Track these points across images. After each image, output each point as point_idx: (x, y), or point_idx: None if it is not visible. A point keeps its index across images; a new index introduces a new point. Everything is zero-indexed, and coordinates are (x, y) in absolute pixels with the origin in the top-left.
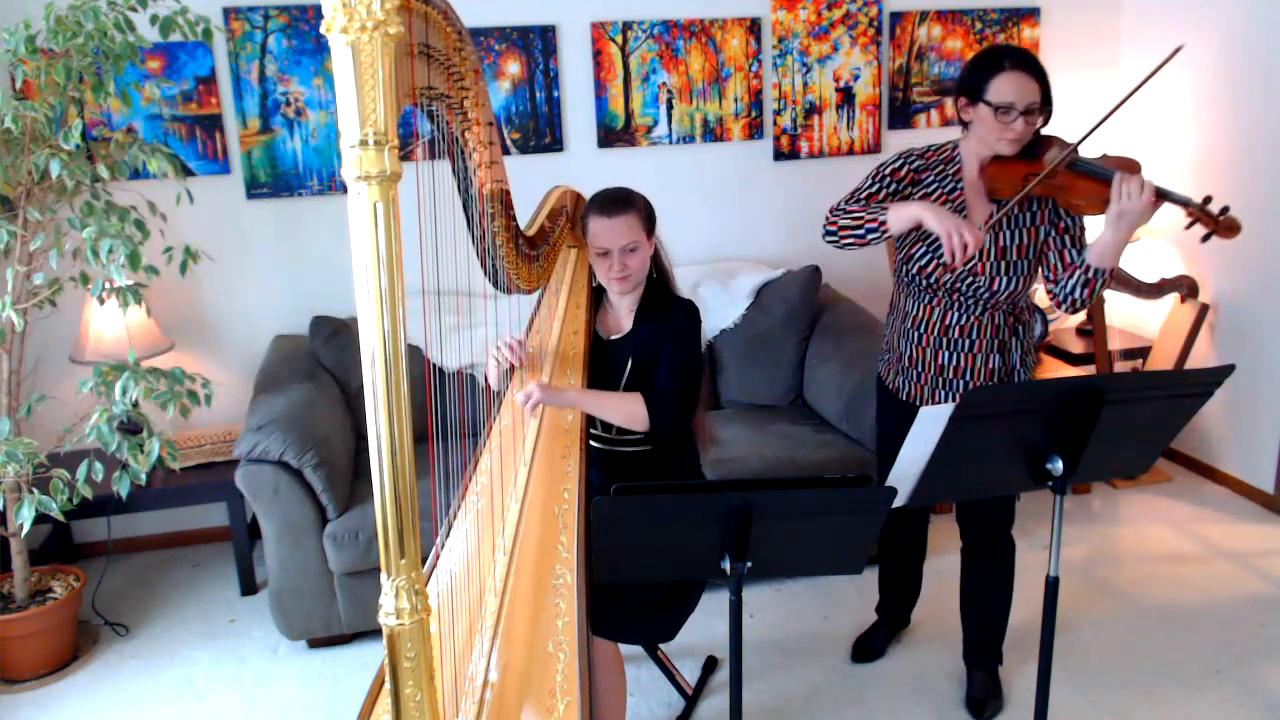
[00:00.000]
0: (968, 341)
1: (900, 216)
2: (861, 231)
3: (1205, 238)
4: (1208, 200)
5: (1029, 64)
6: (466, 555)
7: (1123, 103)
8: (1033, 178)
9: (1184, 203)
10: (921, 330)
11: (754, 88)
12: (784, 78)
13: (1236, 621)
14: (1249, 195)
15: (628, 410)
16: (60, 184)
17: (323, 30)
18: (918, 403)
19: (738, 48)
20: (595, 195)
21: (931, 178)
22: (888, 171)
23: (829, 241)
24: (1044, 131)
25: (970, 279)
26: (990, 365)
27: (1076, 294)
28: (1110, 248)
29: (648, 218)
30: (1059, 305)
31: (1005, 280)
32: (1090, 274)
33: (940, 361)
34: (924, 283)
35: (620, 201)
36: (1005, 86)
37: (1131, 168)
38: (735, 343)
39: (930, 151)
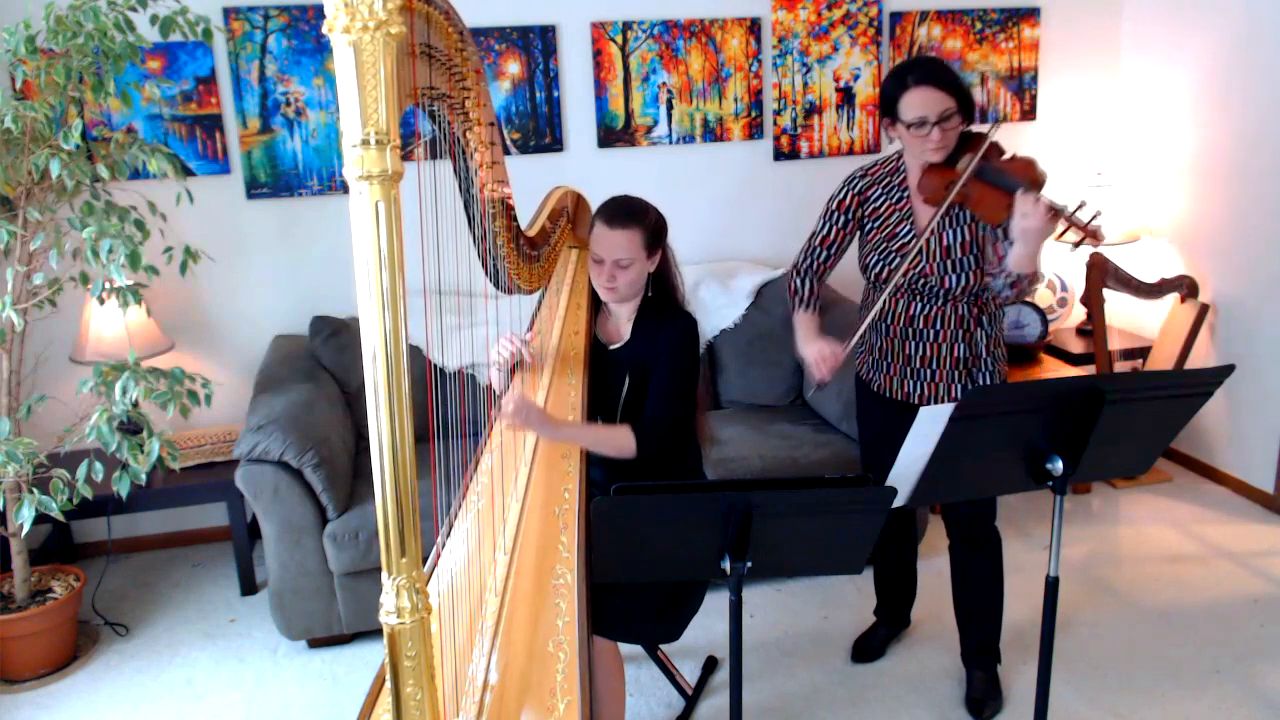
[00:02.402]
0: (932, 332)
1: (797, 334)
2: (792, 304)
3: (1076, 244)
4: (1080, 206)
5: (933, 77)
6: (467, 555)
7: (974, 163)
8: (952, 186)
9: (1067, 215)
10: (889, 323)
11: (754, 88)
12: (784, 78)
13: (1236, 621)
14: (1249, 195)
15: (617, 445)
16: (60, 184)
17: (324, 30)
18: (888, 394)
19: (738, 48)
20: (609, 200)
21: (879, 192)
22: (835, 206)
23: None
24: (976, 128)
25: (921, 280)
26: (956, 354)
27: (1007, 293)
28: (1023, 259)
29: (653, 236)
30: (994, 298)
31: (955, 277)
32: (1011, 279)
33: (908, 352)
34: (882, 284)
35: (627, 215)
36: (913, 102)
37: (1028, 171)
38: (735, 343)
39: (876, 166)
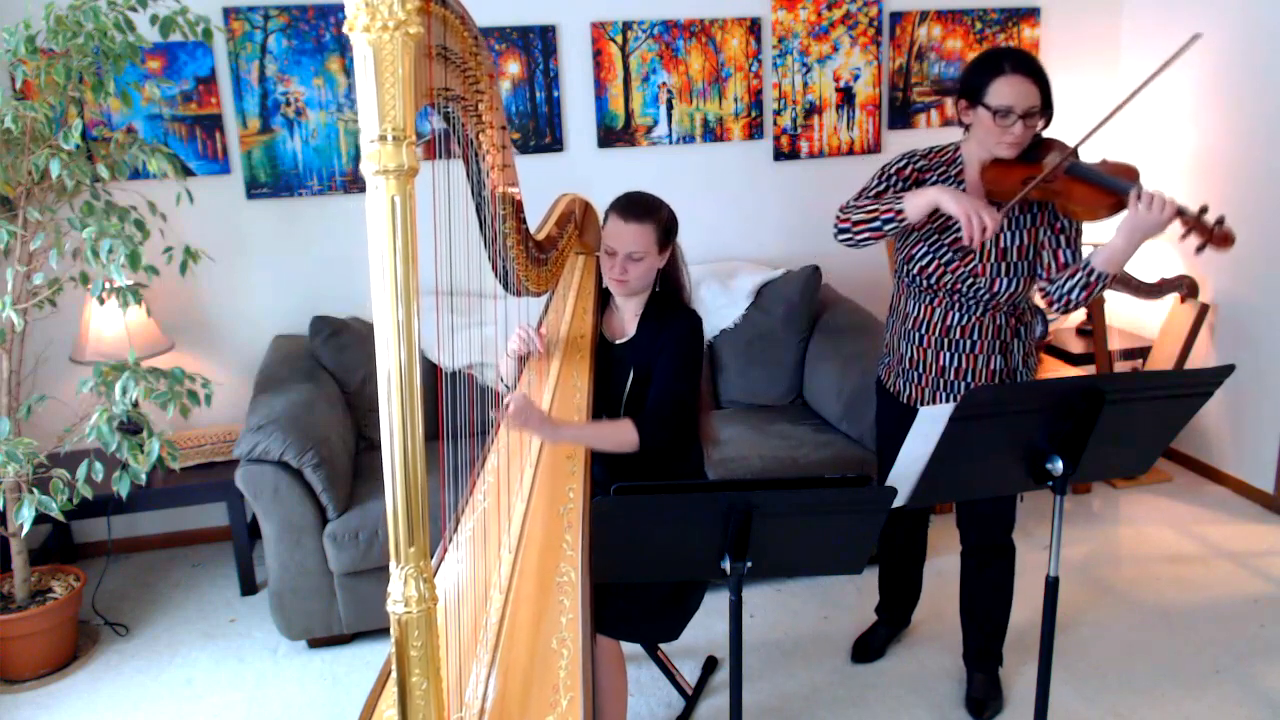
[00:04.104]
0: (969, 342)
1: (917, 204)
2: (878, 223)
3: (1199, 249)
4: (1204, 210)
5: (1029, 67)
6: (472, 552)
7: (1128, 100)
8: (1031, 181)
9: (1192, 217)
10: (923, 331)
11: (754, 88)
12: (784, 78)
13: (1236, 621)
14: (1248, 196)
15: (619, 440)
16: (60, 184)
17: (345, 29)
18: (918, 405)
19: (738, 48)
20: (624, 195)
21: (934, 178)
22: (893, 171)
23: (842, 240)
24: (1046, 134)
25: (971, 280)
26: (992, 366)
27: (1074, 295)
28: (1118, 254)
29: (665, 231)
30: (1051, 305)
31: (1006, 281)
32: (1092, 277)
33: (942, 363)
34: (925, 283)
35: (641, 209)
36: (1004, 90)
37: (1131, 174)
38: (735, 343)
39: (933, 153)
